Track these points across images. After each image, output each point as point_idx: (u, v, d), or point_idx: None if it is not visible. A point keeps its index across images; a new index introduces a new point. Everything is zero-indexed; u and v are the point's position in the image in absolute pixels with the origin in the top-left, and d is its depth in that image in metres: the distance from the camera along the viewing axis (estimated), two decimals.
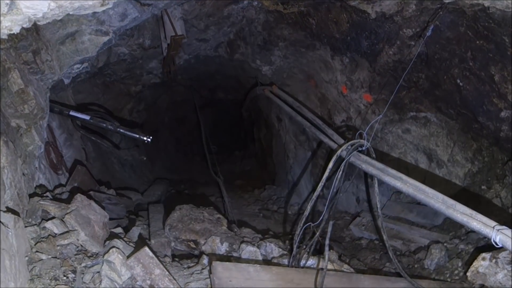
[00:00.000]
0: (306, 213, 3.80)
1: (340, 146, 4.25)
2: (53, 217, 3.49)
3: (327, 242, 3.45)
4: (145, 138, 5.30)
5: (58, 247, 3.30)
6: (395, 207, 5.87)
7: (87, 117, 5.16)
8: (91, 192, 4.75)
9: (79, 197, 3.73)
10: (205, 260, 4.06)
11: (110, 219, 5.03)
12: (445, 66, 4.86)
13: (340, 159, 3.95)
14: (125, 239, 4.31)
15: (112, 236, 3.92)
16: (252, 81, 9.50)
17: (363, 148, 3.85)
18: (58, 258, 3.25)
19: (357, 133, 3.92)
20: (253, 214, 7.79)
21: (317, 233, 3.84)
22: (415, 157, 5.90)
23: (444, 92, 5.09)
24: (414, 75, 5.22)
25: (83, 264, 3.35)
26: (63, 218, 3.50)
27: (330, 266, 3.90)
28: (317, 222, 3.82)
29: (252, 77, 9.21)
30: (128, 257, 3.34)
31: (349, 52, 5.78)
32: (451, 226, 5.13)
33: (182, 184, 11.89)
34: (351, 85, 6.12)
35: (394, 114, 5.88)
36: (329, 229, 3.60)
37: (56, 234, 3.39)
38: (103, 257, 3.30)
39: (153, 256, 3.34)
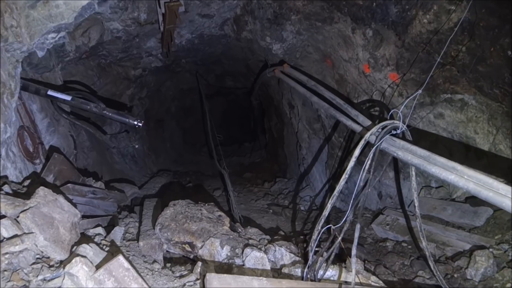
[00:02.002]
0: (326, 212, 3.00)
1: (367, 129, 3.44)
2: (4, 216, 2.74)
3: (353, 252, 2.66)
4: (135, 123, 4.54)
5: (7, 255, 2.56)
6: (426, 203, 5.05)
7: (68, 98, 4.42)
8: (69, 185, 4.01)
9: (41, 191, 2.98)
10: (199, 268, 3.30)
11: (92, 216, 4.33)
12: (493, 36, 4.03)
13: (367, 146, 3.15)
14: (104, 241, 3.56)
15: (85, 239, 3.17)
16: (261, 66, 8.72)
17: (398, 132, 3.04)
18: (6, 270, 2.52)
19: (389, 113, 3.11)
20: (262, 210, 7.04)
21: (339, 237, 3.04)
22: (448, 147, 5.07)
23: (489, 67, 4.25)
24: (453, 48, 4.39)
25: (40, 277, 2.60)
26: (17, 217, 2.75)
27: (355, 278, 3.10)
28: (340, 225, 3.01)
29: (262, 60, 8.42)
30: (98, 267, 2.59)
31: (374, 23, 4.94)
32: (496, 227, 4.30)
33: (188, 177, 11.21)
34: (374, 63, 5.29)
35: (425, 97, 5.04)
36: (356, 233, 2.81)
37: (4, 238, 2.65)
38: (63, 268, 2.56)
39: (130, 267, 2.58)
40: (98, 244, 3.28)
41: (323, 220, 2.99)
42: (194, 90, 12.58)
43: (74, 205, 3.22)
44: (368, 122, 3.67)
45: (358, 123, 3.81)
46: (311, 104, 6.88)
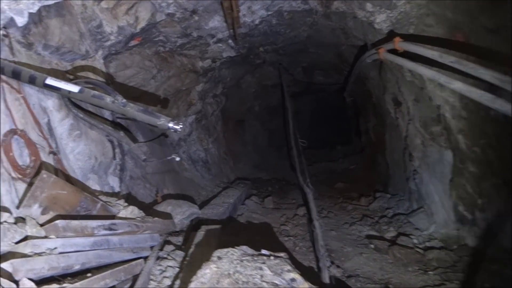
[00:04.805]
0: None
1: None
2: None
3: None
4: (169, 125, 3.03)
5: None
6: None
7: (75, 89, 3.04)
8: (57, 222, 2.57)
9: None
10: None
11: (106, 265, 2.90)
12: None
13: None
14: None
15: None
16: (356, 54, 6.91)
17: None
18: None
19: None
20: (359, 242, 5.24)
21: None
22: None
23: None
24: None
25: None
26: None
27: None
28: None
29: (357, 45, 6.60)
30: None
31: None
32: None
33: (270, 186, 9.67)
34: None
35: None
36: None
37: None
38: None
39: None
40: None
41: None
42: (280, 87, 11.07)
43: None
44: None
45: None
46: (429, 99, 4.94)
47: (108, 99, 3.07)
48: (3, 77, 3.17)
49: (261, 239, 5.10)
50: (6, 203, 2.82)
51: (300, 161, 7.71)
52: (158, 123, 3.08)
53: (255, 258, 2.70)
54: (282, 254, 2.82)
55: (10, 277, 1.95)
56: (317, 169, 11.49)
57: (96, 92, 3.09)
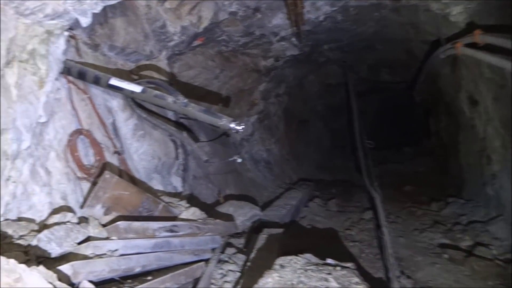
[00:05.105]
0: None
1: None
2: None
3: None
4: (232, 125, 2.94)
5: None
6: None
7: (137, 89, 3.02)
8: (118, 224, 2.55)
9: None
10: None
11: (167, 268, 2.85)
12: None
13: None
14: None
15: None
16: (427, 50, 6.51)
17: None
18: None
19: None
20: (431, 251, 4.89)
21: None
22: None
23: None
24: None
25: None
26: None
27: None
28: None
29: (427, 41, 6.21)
30: None
31: None
32: None
33: (333, 188, 9.38)
34: None
35: None
36: None
37: None
38: None
39: None
40: None
41: None
42: (344, 86, 10.76)
43: None
44: None
45: None
46: None
47: (170, 99, 3.02)
48: (70, 78, 3.23)
49: (325, 244, 4.90)
50: (71, 202, 2.85)
51: (366, 162, 7.39)
52: (219, 124, 2.99)
53: (320, 268, 2.53)
54: (349, 265, 2.63)
55: (68, 280, 1.92)
56: (383, 171, 11.00)
57: (158, 92, 3.06)
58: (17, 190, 2.39)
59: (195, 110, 3.02)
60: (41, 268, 1.60)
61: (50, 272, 1.63)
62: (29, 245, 2.10)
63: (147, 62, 4.65)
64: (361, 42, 7.36)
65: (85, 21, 2.67)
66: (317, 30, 6.10)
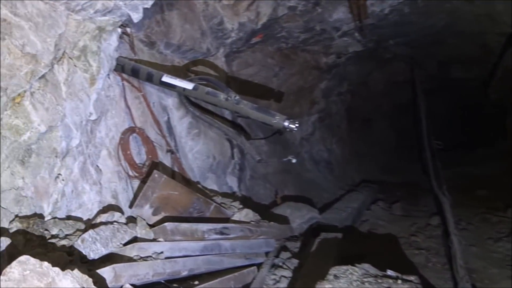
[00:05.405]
0: None
1: None
2: None
3: None
4: (285, 124, 2.78)
5: None
6: None
7: (189, 85, 2.94)
8: (165, 225, 2.46)
9: None
10: None
11: (216, 272, 2.74)
12: None
13: None
14: None
15: None
16: (505, 42, 6.01)
17: None
18: None
19: None
20: (507, 263, 4.45)
21: None
22: None
23: None
24: None
25: None
26: None
27: None
28: None
29: (506, 32, 5.71)
30: None
31: None
32: None
33: (398, 191, 8.95)
34: None
35: None
36: None
37: None
38: None
39: None
40: None
41: None
42: (411, 83, 10.25)
43: None
44: None
45: None
46: None
47: (222, 96, 2.91)
48: (124, 75, 3.21)
49: (387, 250, 4.61)
50: (122, 201, 2.82)
51: (434, 164, 6.95)
52: (272, 122, 2.84)
53: (379, 281, 2.30)
54: (412, 278, 2.37)
55: (107, 284, 1.85)
56: (453, 174, 10.39)
57: (210, 89, 2.96)
58: (67, 188, 2.38)
59: (247, 107, 2.89)
60: (76, 272, 1.52)
61: (85, 276, 1.55)
62: (73, 245, 2.06)
63: (205, 59, 4.61)
64: (430, 36, 6.93)
65: (136, 16, 2.61)
66: (381, 24, 5.79)
